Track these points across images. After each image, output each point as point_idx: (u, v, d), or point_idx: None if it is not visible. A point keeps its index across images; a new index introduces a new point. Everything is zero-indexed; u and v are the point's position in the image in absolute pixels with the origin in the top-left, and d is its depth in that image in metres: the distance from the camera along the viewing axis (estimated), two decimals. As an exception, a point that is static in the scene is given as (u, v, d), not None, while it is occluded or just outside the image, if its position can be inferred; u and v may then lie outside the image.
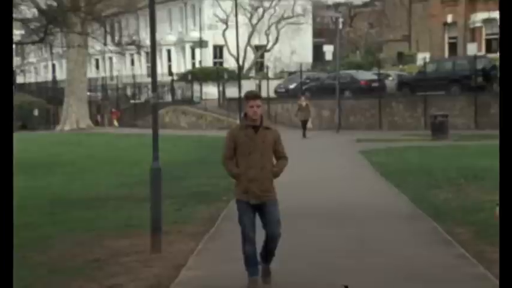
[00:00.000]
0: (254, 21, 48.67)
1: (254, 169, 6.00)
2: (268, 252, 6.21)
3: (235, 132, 6.12)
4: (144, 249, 7.90)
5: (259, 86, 40.99)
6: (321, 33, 56.50)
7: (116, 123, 44.83)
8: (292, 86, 37.04)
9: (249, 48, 48.81)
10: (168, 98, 43.56)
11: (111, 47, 41.53)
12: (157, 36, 9.06)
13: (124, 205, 11.38)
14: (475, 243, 7.62)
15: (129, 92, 50.14)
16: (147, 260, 7.43)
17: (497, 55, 35.96)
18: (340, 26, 41.52)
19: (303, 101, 28.04)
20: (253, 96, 6.12)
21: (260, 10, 48.66)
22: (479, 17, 40.86)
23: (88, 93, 45.25)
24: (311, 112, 28.56)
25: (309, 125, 27.92)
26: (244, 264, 6.22)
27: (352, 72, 35.40)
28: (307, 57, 52.46)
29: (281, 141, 6.22)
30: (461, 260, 7.02)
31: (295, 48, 50.55)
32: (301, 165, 15.46)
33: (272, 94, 36.99)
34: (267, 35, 49.00)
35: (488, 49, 40.60)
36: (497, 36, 41.16)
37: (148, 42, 9.16)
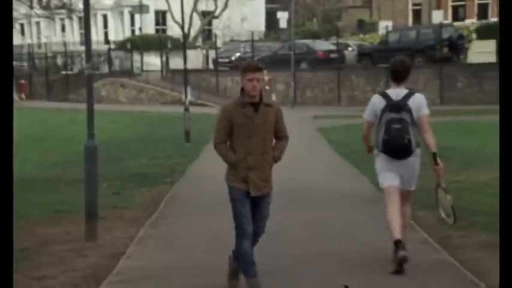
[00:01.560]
0: (200, -17, 48.25)
1: (254, 155, 5.64)
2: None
3: (231, 109, 5.66)
4: (77, 236, 7.84)
5: (206, 56, 40.81)
6: (275, -2, 56.46)
7: (23, 96, 43.86)
8: (234, 58, 36.98)
9: (195, 14, 48.37)
10: (105, 69, 42.96)
11: (38, 10, 40.53)
12: (92, -2, 8.89)
13: (55, 188, 11.25)
14: (438, 228, 7.80)
15: (59, 61, 49.18)
16: (81, 249, 7.38)
17: (464, 23, 36.58)
18: (296, -10, 41.54)
19: (266, 75, 27.30)
20: (253, 68, 5.63)
21: (207, -29, 48.27)
22: (445, -18, 41.54)
23: (13, 63, 44.28)
24: (273, 88, 27.89)
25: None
26: (242, 266, 5.75)
27: (309, 41, 35.57)
28: (260, 25, 52.38)
29: (283, 119, 5.87)
30: (425, 245, 7.20)
31: (246, 15, 50.37)
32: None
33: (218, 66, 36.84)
34: (215, -1, 48.67)
35: (455, 17, 41.33)
36: (464, 3, 41.91)
37: (81, 5, 8.98)
